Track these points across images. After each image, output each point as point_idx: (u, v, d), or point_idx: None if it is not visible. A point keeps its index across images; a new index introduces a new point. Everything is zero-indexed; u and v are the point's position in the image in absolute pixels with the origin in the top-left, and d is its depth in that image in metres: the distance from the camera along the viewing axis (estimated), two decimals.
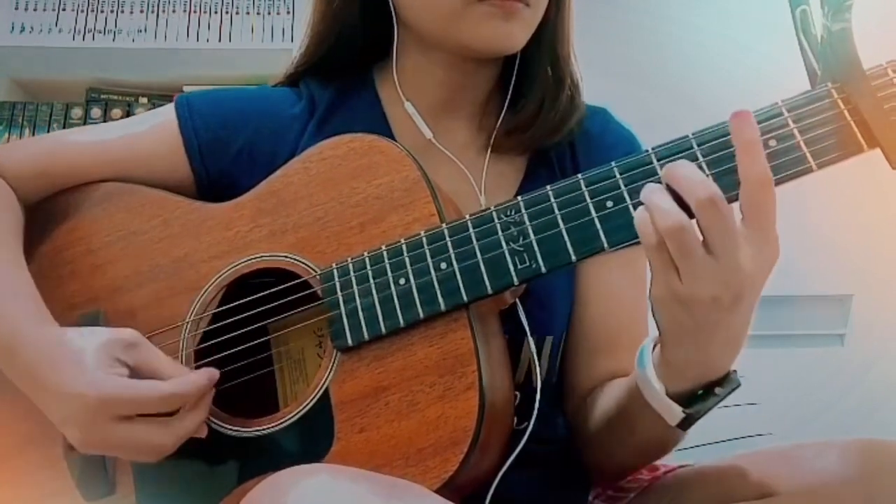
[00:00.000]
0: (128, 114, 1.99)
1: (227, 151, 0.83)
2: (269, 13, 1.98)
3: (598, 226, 0.64)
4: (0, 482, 0.76)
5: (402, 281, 0.68)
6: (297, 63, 0.91)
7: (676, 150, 0.63)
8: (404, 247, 0.69)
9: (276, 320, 0.73)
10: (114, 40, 1.94)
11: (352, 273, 0.70)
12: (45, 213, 0.82)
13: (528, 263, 0.66)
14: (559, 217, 0.66)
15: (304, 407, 0.69)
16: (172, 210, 0.79)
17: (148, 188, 0.81)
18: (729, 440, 1.66)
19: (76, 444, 0.67)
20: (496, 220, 0.67)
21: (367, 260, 0.70)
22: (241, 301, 0.73)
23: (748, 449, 0.76)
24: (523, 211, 0.67)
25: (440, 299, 0.67)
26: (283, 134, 0.85)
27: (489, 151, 0.86)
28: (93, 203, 0.81)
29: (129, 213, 0.80)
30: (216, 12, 1.98)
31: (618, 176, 0.64)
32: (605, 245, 0.64)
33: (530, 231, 0.66)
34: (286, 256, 0.73)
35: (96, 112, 2.01)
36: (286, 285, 0.72)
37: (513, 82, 0.86)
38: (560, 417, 0.87)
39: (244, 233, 0.75)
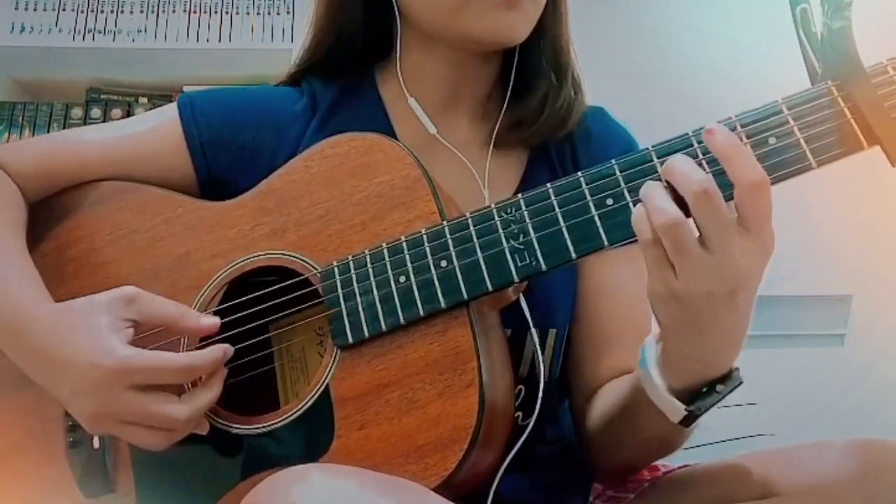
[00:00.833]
0: (128, 114, 1.99)
1: (229, 150, 0.84)
2: (269, 13, 1.98)
3: (598, 223, 0.64)
4: (0, 481, 0.76)
5: (402, 279, 0.68)
6: (299, 61, 0.91)
7: (676, 148, 0.63)
8: (405, 244, 0.69)
9: (277, 318, 0.74)
10: (114, 40, 1.94)
11: (352, 271, 0.70)
12: (48, 211, 0.82)
13: (528, 261, 0.66)
14: (559, 215, 0.66)
15: (305, 404, 0.69)
16: (174, 208, 0.79)
17: (150, 187, 0.81)
18: (729, 440, 1.66)
19: (85, 421, 0.66)
20: (496, 218, 0.68)
21: (367, 258, 0.70)
22: (243, 299, 0.74)
23: (748, 449, 0.76)
24: (524, 209, 0.67)
25: (440, 297, 0.67)
26: (285, 132, 0.85)
27: (491, 146, 0.86)
28: (95, 201, 0.82)
29: (131, 211, 0.80)
30: (216, 12, 1.98)
31: (618, 174, 0.65)
32: (605, 242, 0.64)
33: (530, 228, 0.66)
34: (287, 254, 0.73)
35: (96, 112, 2.01)
36: (287, 283, 0.73)
37: (512, 76, 0.86)
38: (565, 416, 0.87)
39: (246, 231, 0.76)
